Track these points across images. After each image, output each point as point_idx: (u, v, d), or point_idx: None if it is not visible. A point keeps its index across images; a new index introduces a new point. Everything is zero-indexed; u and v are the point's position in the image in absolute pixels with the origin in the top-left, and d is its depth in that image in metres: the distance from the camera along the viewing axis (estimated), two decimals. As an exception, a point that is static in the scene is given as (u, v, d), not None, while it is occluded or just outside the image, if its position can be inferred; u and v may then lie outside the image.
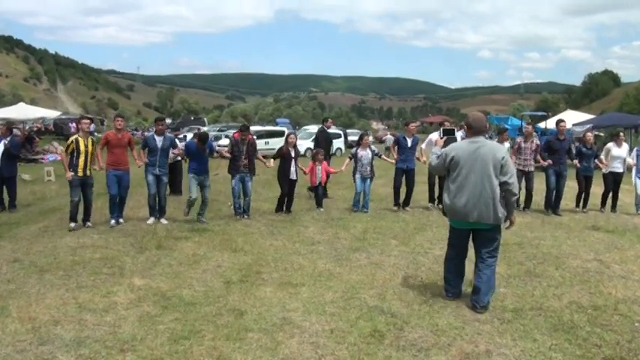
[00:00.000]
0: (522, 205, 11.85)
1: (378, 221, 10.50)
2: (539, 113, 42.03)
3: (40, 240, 8.56)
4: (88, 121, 9.94)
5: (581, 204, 12.23)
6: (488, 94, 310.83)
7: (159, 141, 10.06)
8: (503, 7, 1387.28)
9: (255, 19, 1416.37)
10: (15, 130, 26.60)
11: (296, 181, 11.27)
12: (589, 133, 12.73)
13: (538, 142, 12.12)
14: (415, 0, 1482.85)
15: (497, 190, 5.55)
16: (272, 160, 11.29)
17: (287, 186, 11.12)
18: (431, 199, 12.24)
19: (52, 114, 37.06)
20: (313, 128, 39.03)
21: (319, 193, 11.77)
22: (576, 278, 6.81)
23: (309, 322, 5.15)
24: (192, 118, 55.52)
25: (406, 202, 11.98)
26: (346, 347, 4.61)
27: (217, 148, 11.58)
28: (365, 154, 11.67)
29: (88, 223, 9.69)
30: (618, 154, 12.19)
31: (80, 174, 9.42)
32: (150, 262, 7.27)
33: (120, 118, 10.15)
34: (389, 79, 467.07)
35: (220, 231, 9.43)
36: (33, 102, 76.56)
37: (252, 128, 33.58)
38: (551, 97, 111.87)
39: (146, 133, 32.42)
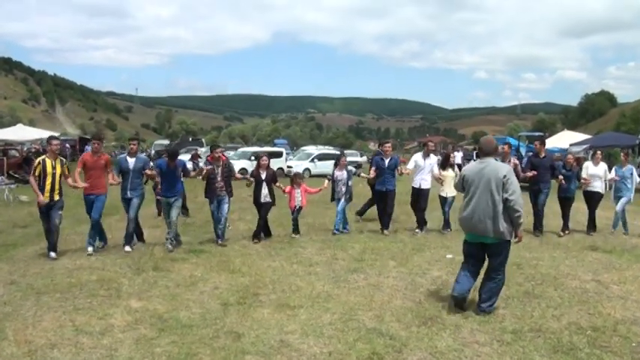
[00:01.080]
0: None
1: (376, 242, 10.47)
2: (536, 133, 42.07)
3: (36, 262, 8.52)
4: (57, 141, 9.26)
5: (569, 226, 12.02)
6: (485, 115, 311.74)
7: (131, 162, 9.56)
8: (498, 28, 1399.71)
9: (253, 40, 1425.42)
10: (13, 152, 26.74)
11: (271, 203, 10.72)
12: (570, 155, 12.75)
13: (516, 162, 11.99)
14: (411, 22, 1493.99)
15: (500, 206, 6.01)
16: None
17: (260, 209, 10.70)
18: (419, 225, 11.87)
19: (50, 135, 37.04)
20: (311, 149, 39.14)
21: (296, 217, 11.30)
22: (575, 299, 6.80)
23: (306, 344, 5.13)
24: (191, 139, 55.48)
25: (385, 225, 11.61)
26: (344, 370, 4.58)
27: (201, 165, 11.23)
28: (340, 174, 11.60)
29: (52, 254, 8.79)
30: (595, 172, 12.11)
31: (47, 198, 8.75)
32: (147, 284, 7.23)
33: (96, 141, 9.63)
34: (386, 99, 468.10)
35: (218, 252, 9.40)
36: (31, 123, 76.71)
37: (251, 149, 33.94)
38: (548, 117, 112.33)
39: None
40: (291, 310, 6.18)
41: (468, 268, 6.41)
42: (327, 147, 46.37)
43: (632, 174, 12.17)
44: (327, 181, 11.87)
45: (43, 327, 5.54)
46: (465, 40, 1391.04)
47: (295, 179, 11.42)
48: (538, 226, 11.76)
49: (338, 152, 35.21)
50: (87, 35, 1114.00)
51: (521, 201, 6.09)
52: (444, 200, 11.79)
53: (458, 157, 15.83)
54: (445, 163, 12.05)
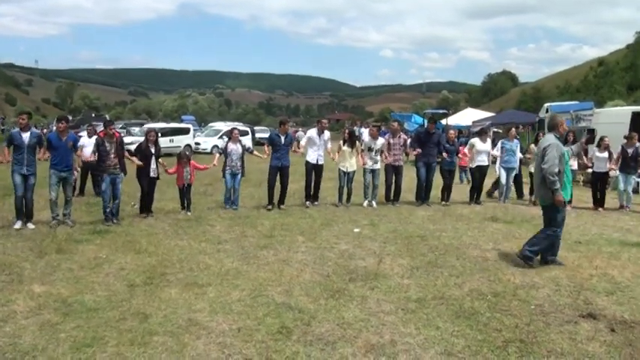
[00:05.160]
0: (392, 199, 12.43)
1: (286, 218, 10.54)
2: (441, 111, 43.68)
3: None
4: None
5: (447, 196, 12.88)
6: (392, 93, 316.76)
7: (25, 138, 9.19)
8: (405, 8, 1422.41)
9: (157, 12, 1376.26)
10: None
11: (157, 178, 10.78)
12: (451, 131, 13.68)
13: (406, 137, 12.78)
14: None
15: (540, 174, 7.14)
16: (135, 157, 10.55)
17: (147, 184, 10.61)
18: (307, 197, 12.12)
19: None
20: (219, 125, 38.60)
21: (188, 195, 11.18)
22: (476, 267, 7.14)
23: (215, 322, 5.12)
24: (94, 115, 53.36)
25: (281, 201, 11.75)
26: (254, 345, 4.62)
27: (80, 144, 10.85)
28: (235, 148, 11.48)
29: None
30: (483, 148, 13.02)
31: None
32: (50, 267, 6.94)
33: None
34: (295, 76, 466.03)
35: (123, 232, 9.16)
36: None
37: (157, 125, 33.00)
38: (452, 95, 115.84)
39: (45, 130, 30.62)
40: (199, 288, 6.14)
41: None
42: (236, 123, 45.89)
43: (517, 147, 13.23)
44: (217, 155, 11.79)
45: (-63, 316, 5.23)
46: (372, 18, 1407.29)
47: (181, 158, 11.27)
48: (427, 196, 12.53)
49: (248, 129, 35.08)
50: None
51: (554, 170, 6.94)
52: (344, 175, 12.05)
53: (365, 133, 16.39)
54: (351, 139, 12.26)
